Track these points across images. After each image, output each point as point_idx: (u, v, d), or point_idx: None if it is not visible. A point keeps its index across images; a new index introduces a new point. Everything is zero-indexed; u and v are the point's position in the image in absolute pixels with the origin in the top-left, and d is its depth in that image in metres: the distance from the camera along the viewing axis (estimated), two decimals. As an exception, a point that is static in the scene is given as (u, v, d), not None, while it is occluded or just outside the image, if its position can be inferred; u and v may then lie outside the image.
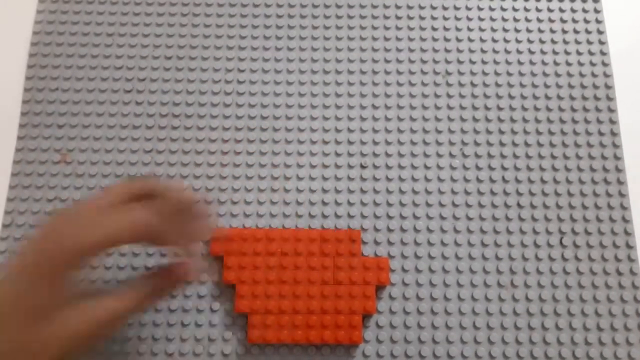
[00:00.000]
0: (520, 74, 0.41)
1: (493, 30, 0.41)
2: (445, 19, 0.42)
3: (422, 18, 0.42)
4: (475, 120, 0.40)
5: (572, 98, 0.40)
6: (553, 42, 0.41)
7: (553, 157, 0.39)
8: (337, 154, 0.39)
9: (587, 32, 0.42)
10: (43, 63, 0.40)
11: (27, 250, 0.26)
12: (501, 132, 0.39)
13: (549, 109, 0.40)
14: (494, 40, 0.41)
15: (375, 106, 0.40)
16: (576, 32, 0.42)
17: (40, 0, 0.42)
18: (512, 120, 0.40)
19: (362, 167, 0.38)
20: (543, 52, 0.41)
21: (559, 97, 0.40)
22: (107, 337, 0.29)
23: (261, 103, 0.40)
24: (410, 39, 0.41)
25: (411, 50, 0.41)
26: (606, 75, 0.41)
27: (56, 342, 0.25)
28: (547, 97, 0.40)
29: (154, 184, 0.30)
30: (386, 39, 0.41)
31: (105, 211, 0.27)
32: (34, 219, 0.37)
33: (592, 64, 0.41)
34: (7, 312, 0.25)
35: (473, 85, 0.40)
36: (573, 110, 0.40)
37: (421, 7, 0.42)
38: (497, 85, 0.40)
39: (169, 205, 0.29)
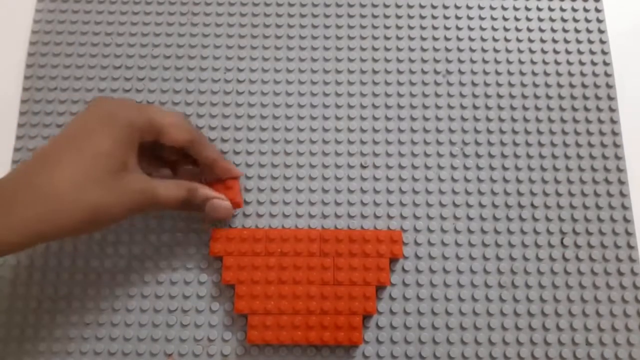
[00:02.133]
0: (521, 73, 0.40)
1: (493, 29, 0.41)
2: (445, 18, 0.42)
3: (422, 18, 0.42)
4: (475, 120, 0.39)
5: (572, 97, 0.40)
6: (554, 41, 0.41)
7: (554, 156, 0.39)
8: (337, 154, 0.39)
9: (588, 31, 0.41)
10: (42, 62, 0.40)
11: (122, 113, 0.30)
12: (502, 131, 0.39)
13: (549, 109, 0.40)
14: (495, 40, 0.41)
15: (375, 106, 0.40)
16: (577, 31, 0.41)
17: (39, 0, 0.42)
18: (513, 120, 0.39)
19: (362, 167, 0.38)
20: (544, 52, 0.41)
21: (560, 97, 0.40)
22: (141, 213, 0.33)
23: (261, 103, 0.40)
24: (410, 39, 0.41)
25: (411, 50, 0.41)
26: (607, 74, 0.41)
27: (124, 199, 0.29)
28: (548, 97, 0.40)
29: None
30: (386, 39, 0.41)
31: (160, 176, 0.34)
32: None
33: (593, 63, 0.41)
34: (104, 161, 0.29)
35: (473, 84, 0.40)
36: (574, 109, 0.40)
37: (421, 7, 0.42)
38: (498, 84, 0.40)
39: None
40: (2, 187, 0.28)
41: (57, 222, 0.27)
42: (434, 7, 0.42)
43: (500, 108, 0.40)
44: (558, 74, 0.41)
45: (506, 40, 0.41)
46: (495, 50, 0.41)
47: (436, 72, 0.40)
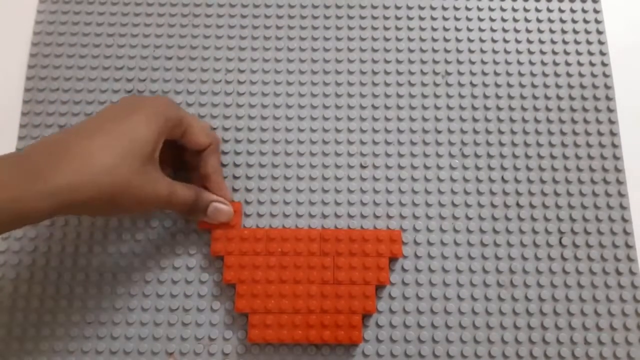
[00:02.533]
0: (520, 74, 0.41)
1: (492, 30, 0.42)
2: (445, 19, 0.42)
3: (422, 18, 0.42)
4: (474, 120, 0.40)
5: (571, 98, 0.40)
6: (552, 42, 0.41)
7: (552, 157, 0.39)
8: (337, 154, 0.39)
9: (587, 32, 0.42)
10: (44, 63, 0.40)
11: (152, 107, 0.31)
12: (500, 132, 0.39)
13: (548, 109, 0.40)
14: (494, 41, 0.41)
15: (375, 106, 0.40)
16: (575, 32, 0.42)
17: (40, 1, 0.42)
18: (512, 120, 0.40)
19: (362, 167, 0.39)
20: (542, 52, 0.41)
21: (559, 97, 0.40)
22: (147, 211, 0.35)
23: (261, 103, 0.40)
24: (410, 39, 0.41)
25: (411, 51, 0.41)
26: (605, 75, 0.41)
27: (152, 186, 0.30)
28: (547, 97, 0.40)
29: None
30: (386, 39, 0.41)
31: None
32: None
33: (592, 64, 0.41)
34: (139, 145, 0.29)
35: (472, 85, 0.40)
36: (572, 110, 0.40)
37: (421, 7, 0.42)
38: (497, 85, 0.40)
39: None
40: (36, 153, 0.28)
41: (86, 192, 0.27)
42: (433, 8, 0.42)
43: (499, 109, 0.40)
44: (557, 75, 0.41)
45: (505, 41, 0.41)
46: (494, 52, 0.41)
47: (435, 73, 0.41)
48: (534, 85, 0.40)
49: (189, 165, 0.36)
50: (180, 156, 0.36)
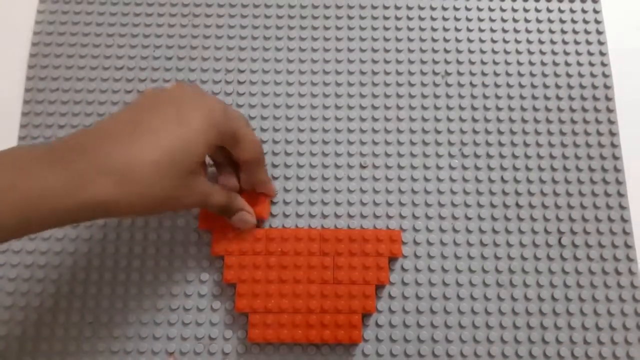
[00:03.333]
0: (519, 74, 0.41)
1: (492, 30, 0.42)
2: (444, 19, 0.42)
3: (421, 18, 0.42)
4: (474, 120, 0.40)
5: (571, 98, 0.40)
6: (552, 42, 0.41)
7: (552, 157, 0.39)
8: (337, 154, 0.39)
9: (586, 32, 0.42)
10: (44, 63, 0.40)
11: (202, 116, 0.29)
12: (500, 132, 0.39)
13: (547, 109, 0.40)
14: (493, 41, 0.41)
15: (374, 106, 0.40)
16: (575, 32, 0.42)
17: (41, 1, 0.42)
18: (511, 121, 0.40)
19: (362, 167, 0.39)
20: (542, 53, 0.41)
21: (558, 97, 0.40)
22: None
23: (261, 103, 0.40)
24: (410, 39, 0.41)
25: (411, 51, 0.41)
26: (605, 75, 0.41)
27: (190, 197, 0.30)
28: (546, 97, 0.40)
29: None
30: (386, 39, 0.41)
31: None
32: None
33: (591, 64, 0.41)
34: (177, 162, 0.28)
35: (472, 85, 0.40)
36: (572, 110, 0.40)
37: (421, 8, 0.42)
38: (496, 85, 0.40)
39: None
40: (77, 152, 0.26)
41: (124, 205, 0.26)
42: (433, 8, 0.42)
43: (498, 109, 0.40)
44: (556, 75, 0.41)
45: (505, 41, 0.41)
46: (494, 52, 0.41)
47: (435, 73, 0.41)
48: (533, 86, 0.40)
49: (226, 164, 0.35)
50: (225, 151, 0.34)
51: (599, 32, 0.42)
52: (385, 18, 0.42)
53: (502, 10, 0.42)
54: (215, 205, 0.32)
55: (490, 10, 0.42)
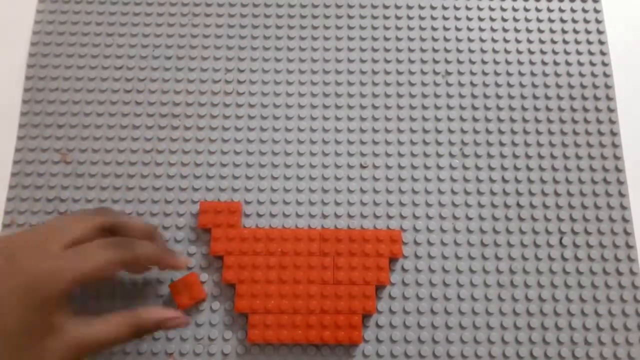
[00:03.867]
0: (520, 74, 0.41)
1: (493, 30, 0.42)
2: (445, 19, 0.42)
3: (422, 18, 0.42)
4: (475, 120, 0.40)
5: (571, 98, 0.40)
6: (553, 42, 0.41)
7: (553, 157, 0.39)
8: (337, 154, 0.39)
9: (587, 32, 0.42)
10: (43, 63, 0.40)
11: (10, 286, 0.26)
12: (501, 132, 0.39)
13: (548, 109, 0.40)
14: (494, 40, 0.41)
15: (375, 106, 0.40)
16: (576, 32, 0.42)
17: (40, 0, 0.42)
18: (512, 120, 0.40)
19: (362, 167, 0.39)
20: (543, 52, 0.41)
21: (559, 97, 0.40)
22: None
23: (261, 103, 0.40)
24: (410, 39, 0.41)
25: (411, 50, 0.41)
26: (606, 75, 0.41)
27: (56, 353, 0.26)
28: (547, 97, 0.40)
29: (114, 218, 0.31)
30: (386, 39, 0.41)
31: (74, 249, 0.28)
32: (34, 219, 0.37)
33: (592, 64, 0.41)
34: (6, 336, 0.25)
35: (473, 85, 0.40)
36: (573, 110, 0.40)
37: (421, 7, 0.42)
38: (497, 85, 0.40)
39: (134, 235, 0.31)
40: None
41: None
42: (433, 7, 0.42)
43: (499, 108, 0.40)
44: (557, 74, 0.41)
45: (505, 41, 0.41)
46: (494, 51, 0.41)
47: (435, 73, 0.41)
48: (534, 85, 0.40)
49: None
50: None
51: (599, 32, 0.42)
52: (385, 18, 0.42)
53: (503, 9, 0.42)
54: (111, 341, 0.28)
55: (491, 9, 0.42)
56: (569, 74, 0.41)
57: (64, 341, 0.27)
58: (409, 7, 0.42)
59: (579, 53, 0.41)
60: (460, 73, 0.41)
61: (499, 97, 0.40)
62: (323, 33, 0.41)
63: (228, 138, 0.39)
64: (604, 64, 0.41)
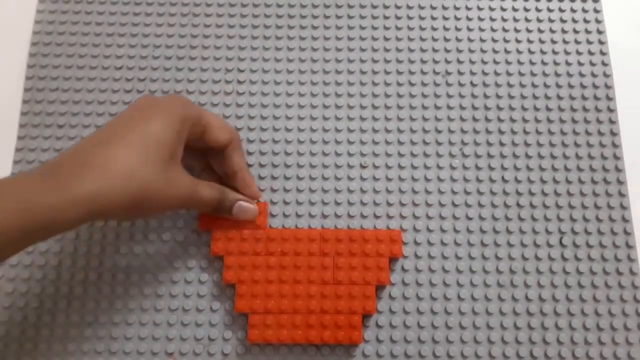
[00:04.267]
0: (520, 74, 0.41)
1: (493, 30, 0.42)
2: (445, 19, 0.42)
3: (422, 18, 0.42)
4: (475, 120, 0.40)
5: (571, 98, 0.40)
6: (553, 42, 0.41)
7: (553, 157, 0.39)
8: (337, 154, 0.39)
9: (587, 32, 0.42)
10: (43, 63, 0.40)
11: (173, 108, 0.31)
12: (501, 132, 0.39)
13: (548, 109, 0.40)
14: (494, 40, 0.41)
15: (375, 106, 0.40)
16: (576, 32, 0.42)
17: (40, 0, 0.42)
18: (512, 120, 0.40)
19: (362, 167, 0.39)
20: (543, 52, 0.41)
21: (559, 97, 0.40)
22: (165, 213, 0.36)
23: (261, 103, 0.40)
24: (410, 39, 0.41)
25: (411, 50, 0.41)
26: (606, 75, 0.41)
27: (174, 189, 0.30)
28: (547, 97, 0.40)
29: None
30: (386, 39, 0.41)
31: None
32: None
33: (592, 64, 0.41)
34: (158, 147, 0.30)
35: (473, 85, 0.40)
36: (573, 110, 0.40)
37: (421, 7, 0.42)
38: (497, 85, 0.40)
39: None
40: (60, 165, 0.28)
41: (110, 199, 0.28)
42: (433, 7, 0.42)
43: (499, 108, 0.40)
44: (557, 74, 0.41)
45: (505, 41, 0.41)
46: (495, 51, 0.41)
47: (435, 73, 0.41)
48: (534, 85, 0.40)
49: (215, 166, 0.36)
50: (205, 158, 0.36)
51: (599, 32, 0.42)
52: (385, 18, 0.42)
53: (503, 9, 0.42)
54: (207, 199, 0.32)
55: (491, 9, 0.42)
56: (569, 74, 0.41)
57: (183, 176, 0.31)
58: (409, 7, 0.42)
59: (579, 53, 0.41)
60: (460, 73, 0.41)
61: (499, 97, 0.40)
62: (323, 33, 0.41)
63: (228, 138, 0.39)
64: (604, 64, 0.41)
